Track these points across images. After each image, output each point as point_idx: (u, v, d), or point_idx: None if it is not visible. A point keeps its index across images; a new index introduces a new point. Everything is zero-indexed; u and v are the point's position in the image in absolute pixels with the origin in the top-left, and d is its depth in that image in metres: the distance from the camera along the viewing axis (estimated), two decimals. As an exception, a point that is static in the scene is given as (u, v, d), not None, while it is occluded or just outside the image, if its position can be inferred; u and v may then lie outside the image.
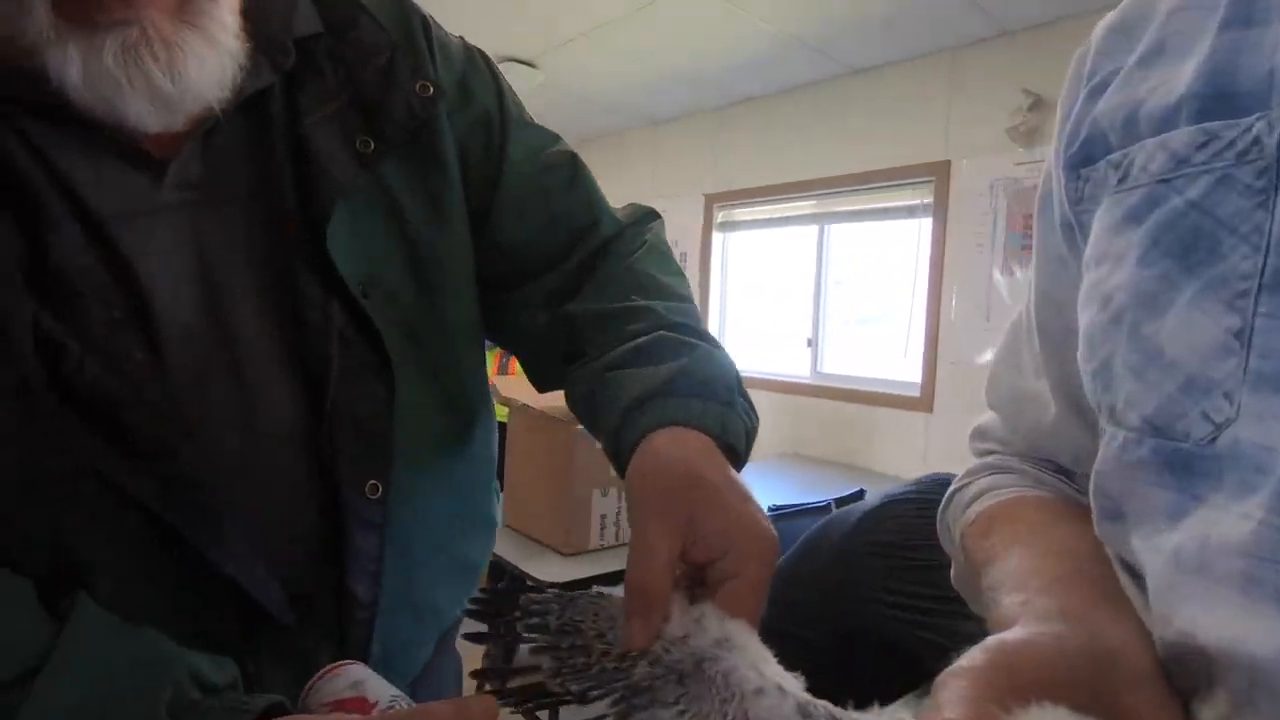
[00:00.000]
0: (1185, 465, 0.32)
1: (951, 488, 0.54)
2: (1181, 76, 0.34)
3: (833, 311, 3.70)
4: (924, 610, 1.30)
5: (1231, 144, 0.32)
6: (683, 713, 0.37)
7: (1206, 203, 0.32)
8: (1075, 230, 0.42)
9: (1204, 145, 0.33)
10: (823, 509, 2.14)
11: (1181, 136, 0.34)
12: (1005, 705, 0.27)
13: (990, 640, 0.31)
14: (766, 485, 2.67)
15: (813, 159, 3.57)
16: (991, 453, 0.54)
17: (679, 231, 4.09)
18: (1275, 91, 0.31)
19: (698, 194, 4.11)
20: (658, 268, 0.63)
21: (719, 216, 4.10)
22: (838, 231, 3.66)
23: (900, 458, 3.16)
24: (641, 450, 0.48)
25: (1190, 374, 0.32)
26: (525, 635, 0.43)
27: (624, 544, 2.06)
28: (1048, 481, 0.49)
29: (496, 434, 0.71)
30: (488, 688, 0.42)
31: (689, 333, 0.57)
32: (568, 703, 0.39)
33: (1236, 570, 0.29)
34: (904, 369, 3.27)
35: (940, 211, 3.08)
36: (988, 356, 2.93)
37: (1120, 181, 0.37)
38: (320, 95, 0.53)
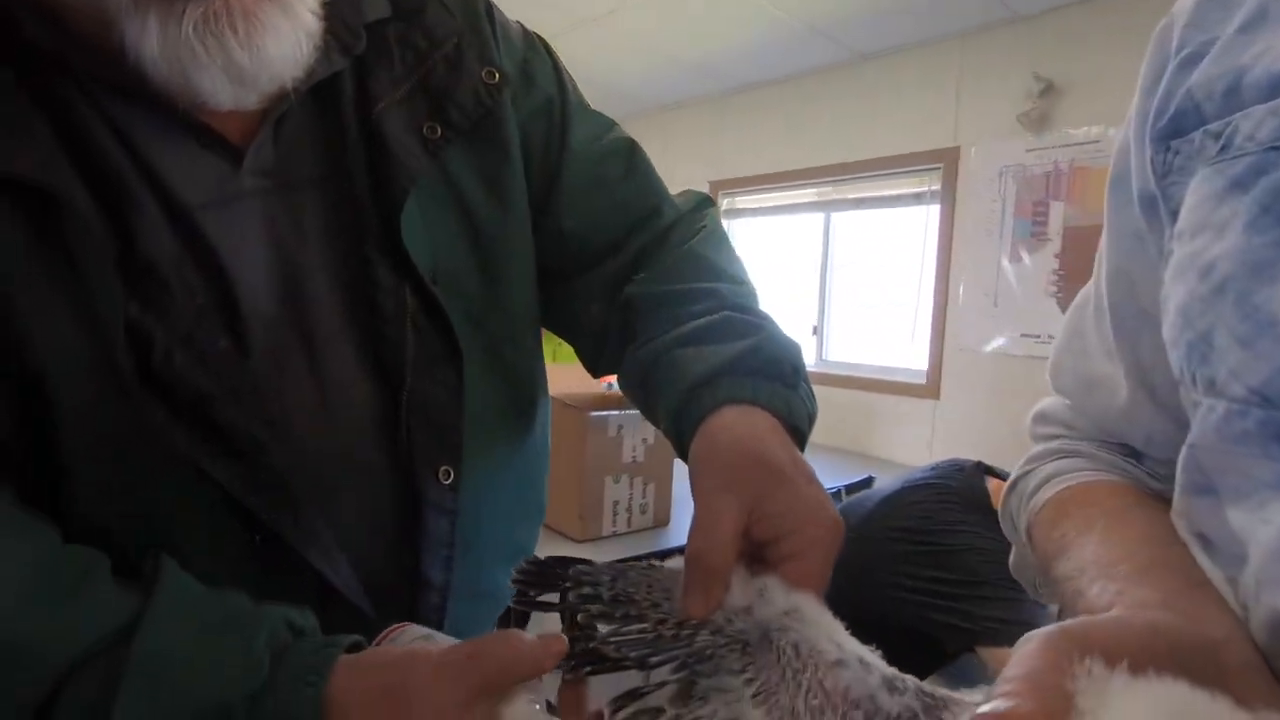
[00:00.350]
0: None
1: (1014, 474, 0.53)
2: None
3: (839, 299, 3.69)
4: (945, 595, 1.31)
5: None
6: (751, 680, 0.36)
7: None
8: (1160, 203, 0.41)
9: None
10: (833, 496, 2.14)
11: None
12: (1084, 666, 0.26)
13: (1078, 619, 0.31)
14: (775, 472, 2.67)
15: (820, 146, 3.55)
16: (1056, 437, 0.54)
17: (684, 219, 4.07)
18: None
19: (703, 181, 4.09)
20: (717, 251, 0.62)
21: (724, 204, 4.08)
22: (845, 218, 3.65)
23: (907, 445, 3.16)
24: (707, 425, 0.48)
25: None
26: (579, 606, 0.42)
27: (637, 530, 2.06)
28: (1119, 465, 0.48)
29: (550, 421, 0.71)
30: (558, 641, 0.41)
31: (753, 314, 0.56)
32: (626, 668, 0.38)
33: None
34: (911, 356, 3.27)
35: (948, 198, 3.07)
36: (996, 343, 2.93)
37: (1222, 151, 0.36)
38: (390, 81, 0.53)
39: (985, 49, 2.95)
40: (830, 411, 3.46)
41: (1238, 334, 0.34)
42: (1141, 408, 0.46)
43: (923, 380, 3.17)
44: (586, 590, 0.43)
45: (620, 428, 2.01)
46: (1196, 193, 0.37)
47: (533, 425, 0.64)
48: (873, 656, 0.36)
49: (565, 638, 0.39)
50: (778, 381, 0.50)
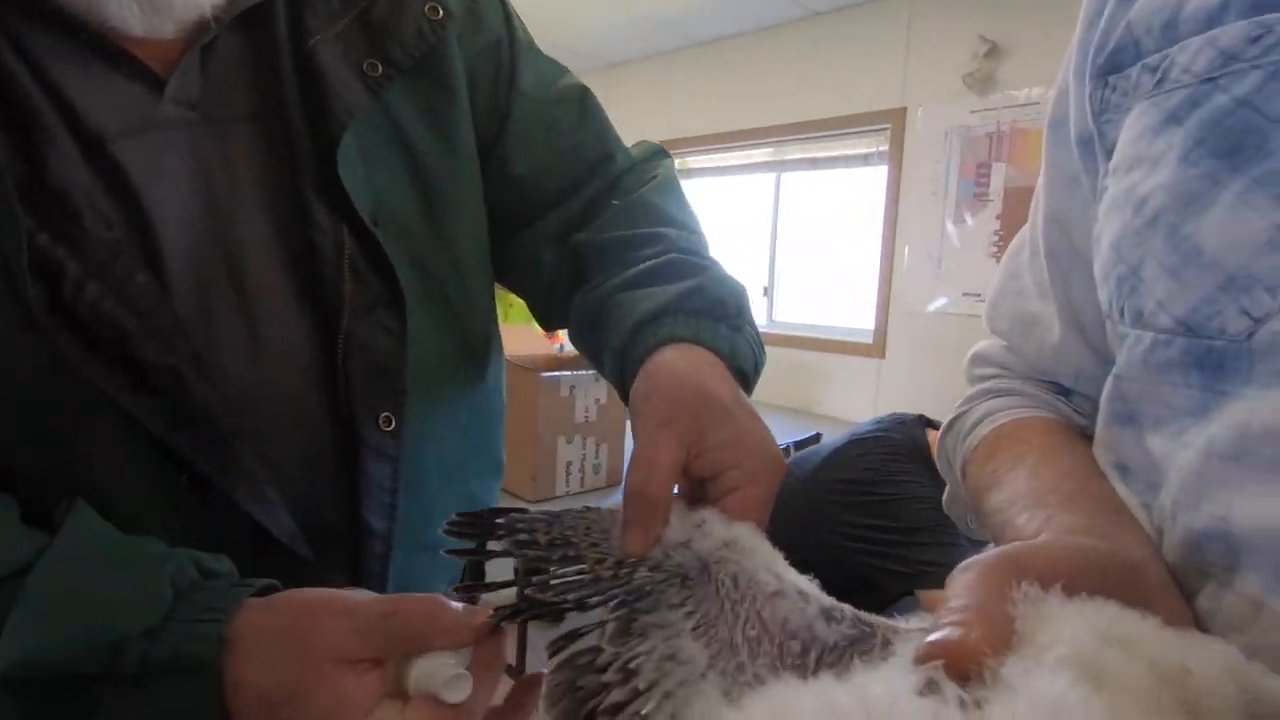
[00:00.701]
0: (1216, 363, 0.33)
1: (951, 414, 0.55)
2: None
3: (788, 260, 3.73)
4: (886, 542, 1.36)
5: None
6: (690, 614, 0.36)
7: (1257, 99, 0.32)
8: (1095, 142, 0.42)
9: (1257, 39, 0.32)
10: (782, 452, 2.19)
11: (1232, 31, 0.33)
12: (1021, 591, 0.27)
13: (1014, 544, 0.32)
14: (726, 431, 2.71)
15: (769, 105, 3.54)
16: (992, 377, 0.55)
17: (635, 179, 4.03)
18: None
19: (655, 140, 4.04)
20: (667, 199, 0.62)
21: (675, 164, 4.05)
22: (795, 179, 3.67)
23: (853, 403, 3.25)
24: (649, 363, 0.47)
25: (1231, 271, 0.32)
26: (515, 552, 0.42)
27: (590, 490, 2.08)
28: (1050, 402, 0.50)
29: (505, 374, 0.69)
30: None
31: (700, 257, 0.56)
32: (565, 610, 0.37)
33: (1277, 454, 0.30)
34: (857, 316, 3.34)
35: (895, 159, 3.11)
36: (939, 303, 3.01)
37: (1158, 84, 0.36)
38: (327, 15, 0.51)
39: (933, 8, 2.96)
40: (780, 371, 3.52)
41: (1167, 265, 0.35)
42: (1071, 346, 0.48)
43: (869, 340, 3.24)
44: (522, 536, 0.42)
45: (572, 388, 2.00)
46: (1132, 128, 0.38)
47: (484, 375, 0.63)
48: (811, 587, 0.37)
49: (489, 610, 0.38)
50: (722, 322, 0.50)
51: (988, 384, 0.54)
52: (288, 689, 0.34)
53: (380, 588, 0.52)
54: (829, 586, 0.38)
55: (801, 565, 0.40)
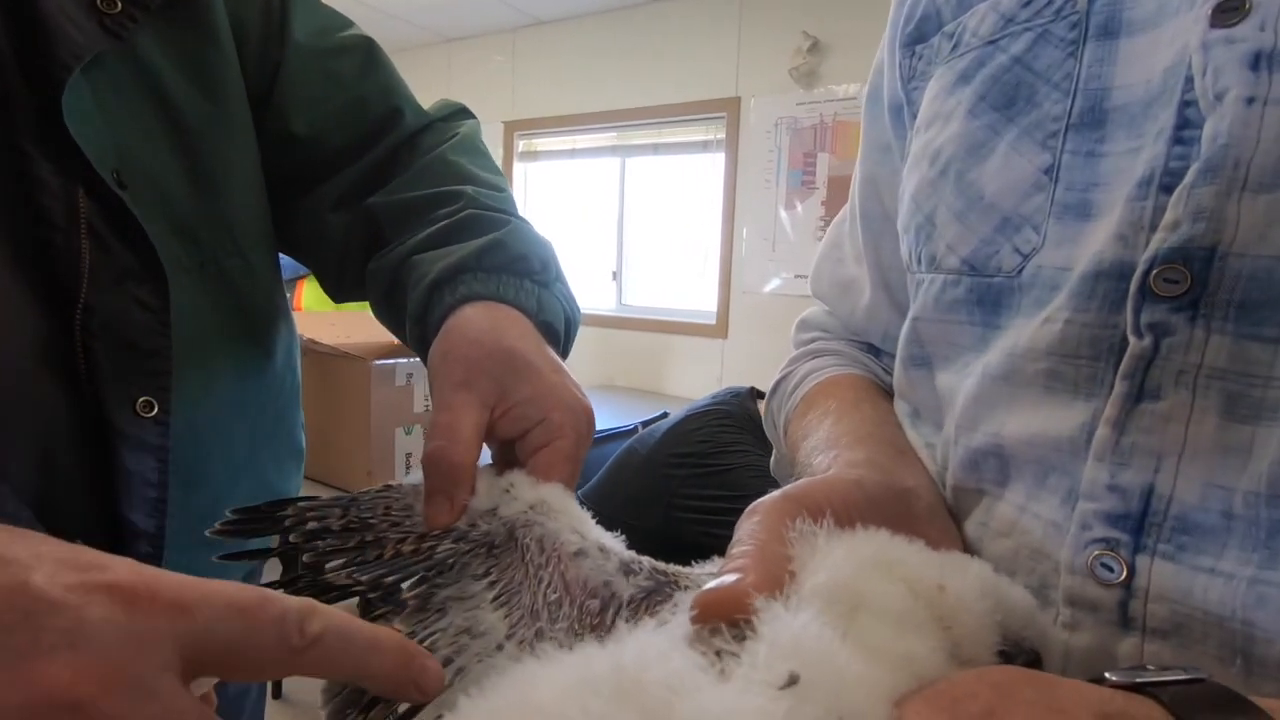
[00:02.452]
0: (994, 299, 0.36)
1: (776, 377, 0.57)
2: None
3: (635, 244, 3.78)
4: (722, 510, 1.42)
5: (1050, 1, 0.36)
6: (494, 583, 0.35)
7: (1027, 57, 0.36)
8: (904, 110, 0.45)
9: (1028, 4, 0.36)
10: (630, 432, 2.23)
11: None
12: (796, 528, 0.28)
13: (796, 482, 0.33)
14: (576, 415, 2.72)
15: (612, 90, 3.55)
16: (815, 340, 0.58)
17: (478, 160, 3.91)
18: None
19: (497, 121, 3.94)
20: (470, 157, 0.58)
21: (520, 145, 3.97)
22: (639, 164, 3.72)
23: (699, 381, 3.37)
24: (448, 324, 0.44)
25: (1005, 213, 0.35)
26: (303, 545, 0.37)
27: (432, 481, 2.00)
28: (861, 360, 0.53)
29: (299, 354, 0.64)
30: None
31: (503, 213, 0.53)
32: (358, 593, 0.35)
33: (1041, 370, 0.33)
34: (701, 298, 3.46)
35: (732, 147, 3.24)
36: (773, 285, 3.18)
37: (953, 49, 0.40)
38: None
39: (760, 2, 3.10)
40: (629, 353, 3.58)
41: (955, 210, 0.38)
42: (880, 306, 0.51)
43: (712, 320, 3.37)
44: (312, 526, 0.38)
45: (410, 376, 1.91)
46: (931, 90, 0.41)
47: (271, 355, 0.57)
48: (614, 542, 0.36)
49: None
50: (525, 278, 0.48)
51: (810, 346, 0.57)
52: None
53: None
54: (674, 557, 0.37)
55: (648, 540, 0.39)
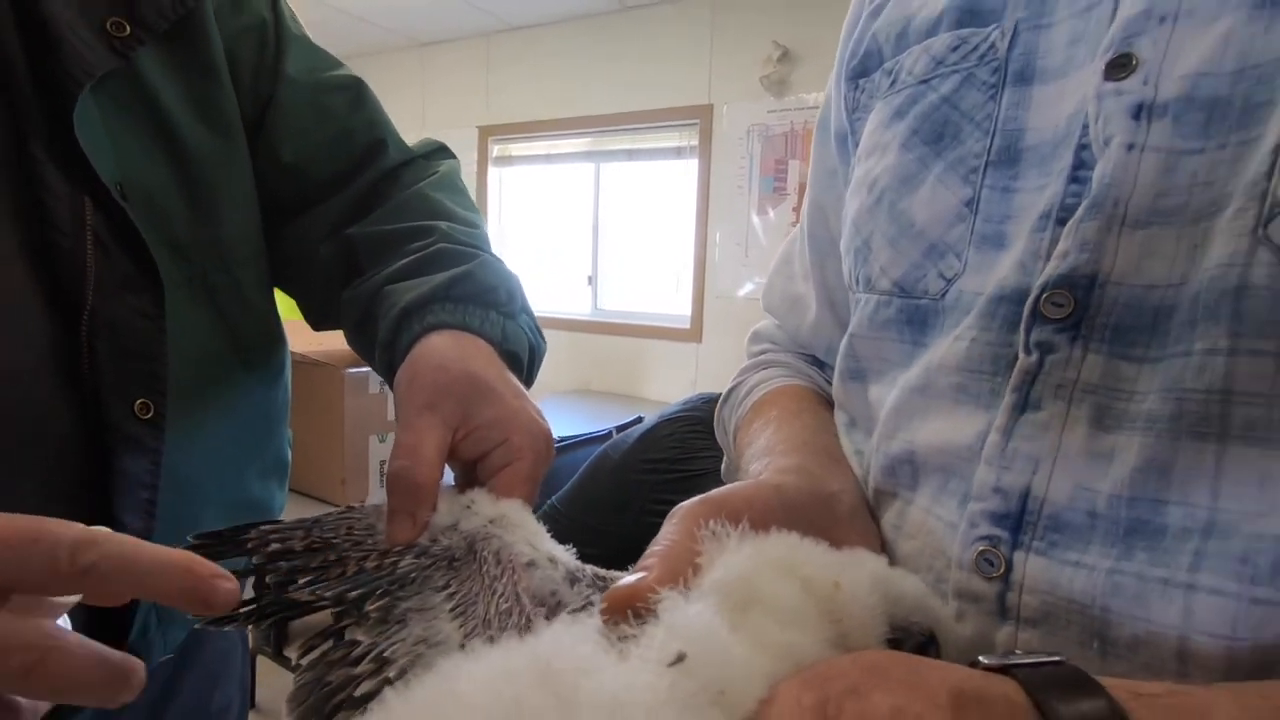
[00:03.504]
0: (921, 319, 0.39)
1: (728, 386, 0.60)
2: None
3: (611, 250, 3.81)
4: None
5: (976, 48, 0.39)
6: (452, 595, 0.36)
7: (954, 97, 0.39)
8: (849, 138, 0.48)
9: (956, 48, 0.40)
10: (605, 436, 2.25)
11: (941, 41, 0.41)
12: (708, 529, 0.29)
13: (719, 489, 0.36)
14: (552, 419, 2.73)
15: (587, 96, 3.58)
16: (765, 351, 0.61)
17: (453, 165, 3.90)
18: (1008, 7, 0.38)
19: (471, 126, 3.93)
20: (446, 195, 0.61)
21: (494, 150, 3.97)
22: (613, 170, 3.74)
23: (674, 385, 3.40)
24: (415, 350, 0.46)
25: (932, 240, 0.39)
26: (267, 566, 0.39)
27: (407, 489, 2.00)
28: (807, 372, 0.56)
29: (289, 373, 0.65)
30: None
31: (473, 247, 0.56)
32: (322, 608, 0.36)
33: (951, 384, 0.36)
34: (676, 303, 3.50)
35: (705, 154, 3.27)
36: (746, 289, 3.22)
37: (891, 85, 0.43)
38: None
39: (732, 11, 3.15)
40: (605, 358, 3.60)
41: (888, 236, 0.41)
42: (825, 323, 0.54)
43: (686, 325, 3.41)
44: (275, 547, 0.40)
45: (383, 384, 1.91)
46: (871, 122, 0.45)
47: (258, 371, 0.59)
48: (563, 554, 0.38)
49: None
50: (492, 309, 0.51)
51: (760, 358, 0.60)
52: None
53: None
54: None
55: (618, 544, 0.40)
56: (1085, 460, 0.30)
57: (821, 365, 0.57)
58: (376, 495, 1.93)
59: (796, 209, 3.07)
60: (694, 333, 3.38)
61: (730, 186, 3.22)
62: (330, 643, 0.35)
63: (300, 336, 1.94)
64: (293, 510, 0.63)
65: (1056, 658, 0.24)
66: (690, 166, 3.35)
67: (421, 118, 4.09)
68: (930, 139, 0.40)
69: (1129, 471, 0.29)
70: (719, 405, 0.62)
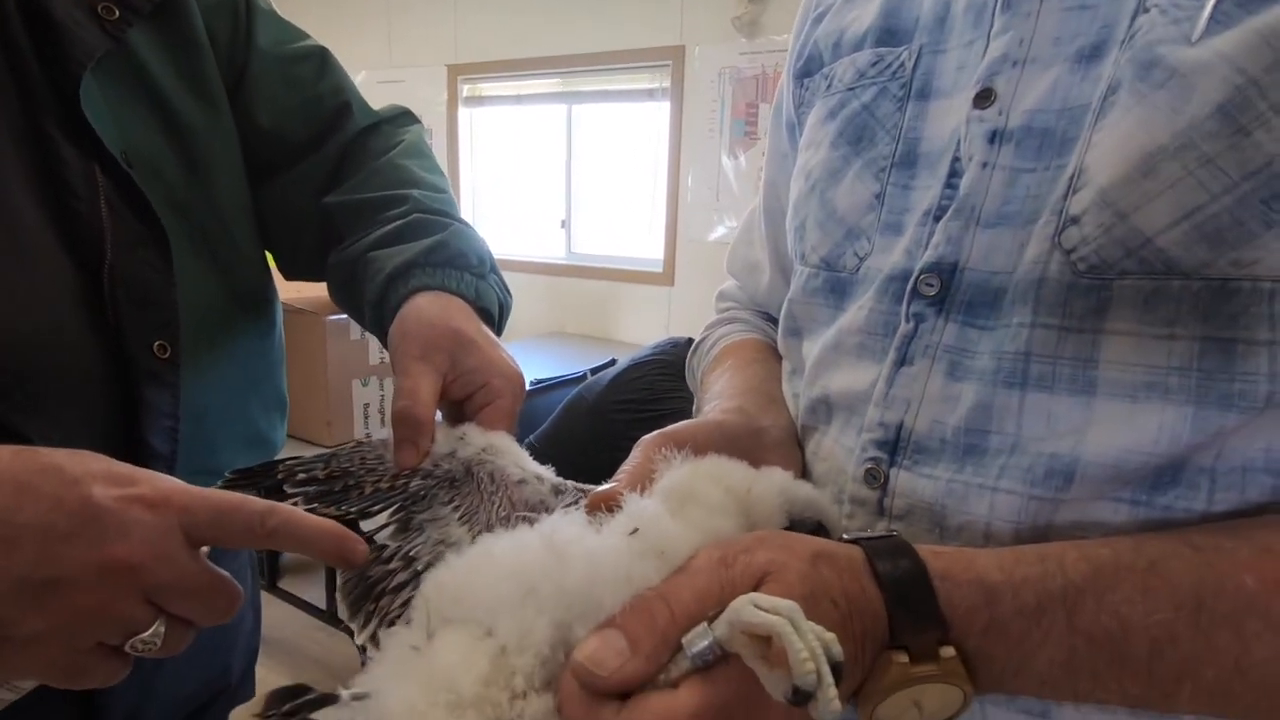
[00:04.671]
0: (841, 289, 0.48)
1: (697, 339, 0.70)
2: (870, 13, 0.49)
3: (584, 193, 3.81)
4: None
5: (889, 65, 0.47)
6: (458, 508, 0.46)
7: (872, 106, 0.47)
8: (796, 129, 0.56)
9: (875, 64, 0.47)
10: (580, 379, 2.34)
11: (864, 56, 0.48)
12: (661, 454, 0.40)
13: (672, 425, 0.46)
14: (527, 362, 2.80)
15: (558, 34, 3.52)
16: (729, 309, 0.70)
17: (422, 106, 3.83)
18: (917, 31, 0.46)
19: (440, 65, 3.85)
20: (416, 163, 0.68)
21: (464, 90, 3.91)
22: (585, 111, 3.72)
23: (647, 328, 3.48)
24: (404, 310, 0.55)
25: (850, 226, 0.47)
26: (292, 492, 0.47)
27: (390, 430, 2.08)
28: (762, 327, 0.66)
29: (280, 319, 0.73)
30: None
31: (444, 216, 0.64)
32: (350, 520, 0.44)
33: (855, 343, 0.45)
34: (648, 246, 3.54)
35: (677, 96, 3.27)
36: (718, 233, 3.28)
37: (827, 88, 0.51)
38: None
39: (705, -51, 3.09)
40: (579, 301, 3.66)
41: (818, 219, 0.50)
42: (777, 285, 0.63)
43: (659, 268, 3.47)
44: (300, 476, 0.49)
45: (364, 331, 1.97)
46: (812, 118, 0.52)
47: (257, 316, 0.66)
48: (547, 473, 0.48)
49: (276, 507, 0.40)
50: (466, 271, 0.59)
51: (725, 314, 0.70)
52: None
53: None
54: None
55: (592, 479, 0.50)
56: (940, 402, 0.40)
57: (775, 322, 0.66)
58: (360, 435, 2.02)
59: (766, 154, 3.10)
60: (666, 276, 3.44)
61: (702, 130, 3.24)
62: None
63: (280, 286, 1.97)
64: (287, 451, 0.71)
65: (892, 533, 0.34)
66: (662, 109, 3.35)
67: (388, 56, 3.99)
68: (852, 140, 0.48)
69: (966, 409, 0.39)
70: (690, 355, 0.72)
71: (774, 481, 0.39)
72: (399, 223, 0.61)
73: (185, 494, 0.36)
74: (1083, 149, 0.35)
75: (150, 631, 0.35)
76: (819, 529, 0.40)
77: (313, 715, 0.33)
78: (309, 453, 0.52)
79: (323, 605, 2.23)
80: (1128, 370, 0.34)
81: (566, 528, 0.36)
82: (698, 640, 0.29)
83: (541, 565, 0.33)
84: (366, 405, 2.01)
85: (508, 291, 0.65)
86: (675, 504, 0.35)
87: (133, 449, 0.54)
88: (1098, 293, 0.35)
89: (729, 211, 3.23)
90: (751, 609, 0.28)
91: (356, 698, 0.33)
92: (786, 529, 0.38)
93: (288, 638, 2.31)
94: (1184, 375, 0.33)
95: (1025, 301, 0.37)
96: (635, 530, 0.33)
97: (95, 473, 0.35)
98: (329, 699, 0.33)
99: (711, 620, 0.29)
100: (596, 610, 0.31)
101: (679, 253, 3.40)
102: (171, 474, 0.55)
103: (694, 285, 3.37)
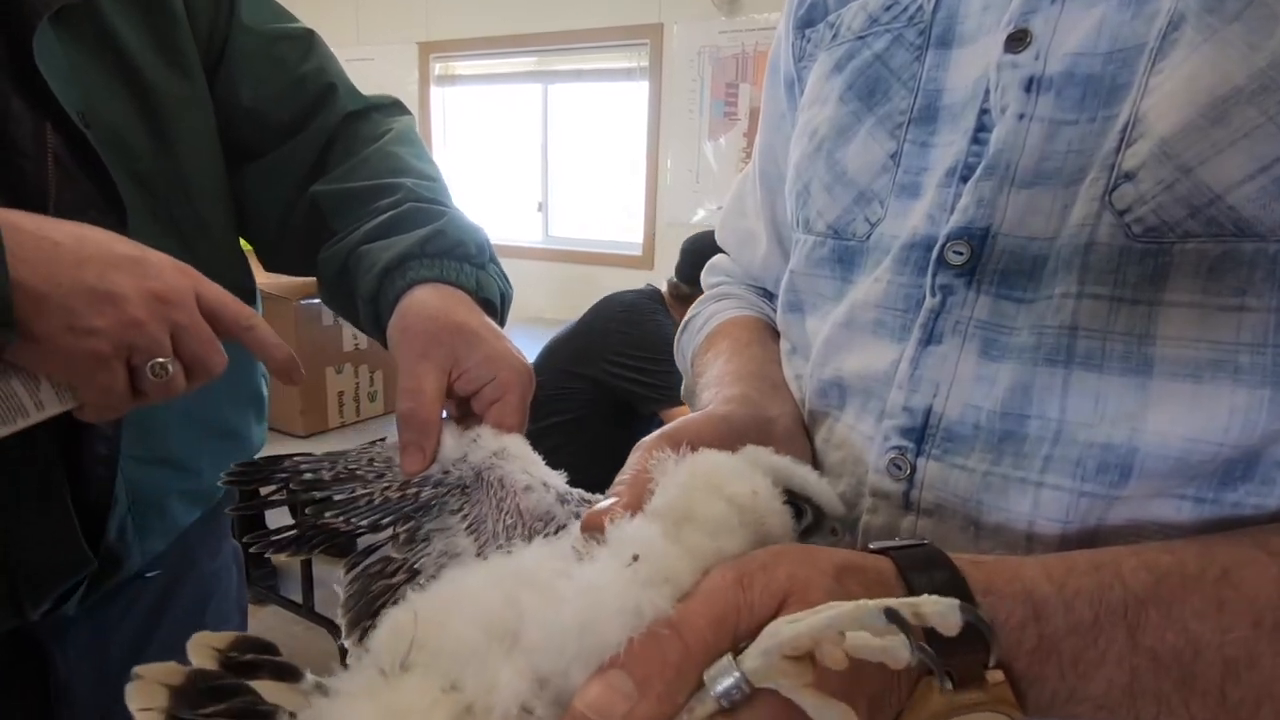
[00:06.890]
0: (849, 258, 0.44)
1: (686, 317, 0.65)
2: None
3: (561, 175, 3.74)
4: (643, 368, 1.79)
5: (905, 9, 0.42)
6: (465, 516, 0.43)
7: (885, 55, 0.43)
8: (796, 85, 0.51)
9: (889, 8, 0.43)
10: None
11: (876, 0, 0.43)
12: (655, 459, 0.35)
13: (674, 421, 0.42)
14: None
15: (533, 11, 3.43)
16: (721, 284, 0.65)
17: (392, 85, 3.71)
18: None
19: (410, 43, 3.74)
20: (407, 150, 0.64)
21: (436, 69, 3.80)
22: (562, 91, 3.64)
23: (627, 313, 3.44)
24: (401, 305, 0.51)
25: (861, 189, 0.43)
26: (301, 495, 0.45)
27: (368, 418, 2.02)
28: (757, 304, 0.61)
29: (260, 308, 0.69)
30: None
31: (438, 204, 0.59)
32: (360, 535, 0.43)
33: (870, 319, 0.41)
34: (627, 229, 3.49)
35: (655, 75, 3.21)
36: (698, 216, 3.24)
37: (833, 38, 0.46)
38: None
39: (683, -76, 3.03)
40: (556, 286, 3.60)
41: (824, 182, 0.45)
42: (774, 258, 0.58)
43: (639, 252, 3.42)
44: (308, 476, 0.46)
45: (337, 317, 1.90)
46: (815, 73, 0.48)
47: None
48: (555, 479, 0.45)
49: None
50: (465, 261, 0.55)
51: (717, 289, 0.65)
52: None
53: (106, 493, 0.53)
54: (599, 402, 0.45)
55: (586, 395, 0.46)
56: (973, 384, 0.36)
57: (771, 296, 0.61)
58: (334, 423, 1.96)
59: (748, 134, 3.06)
60: (646, 260, 3.40)
61: (681, 110, 3.18)
62: (370, 560, 0.41)
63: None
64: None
65: (923, 541, 0.30)
66: (641, 89, 3.29)
67: (355, 33, 3.86)
68: (863, 94, 0.44)
69: (1003, 392, 0.35)
70: (678, 334, 0.67)
71: (762, 466, 0.35)
72: (392, 213, 0.57)
73: (200, 275, 0.46)
74: (1137, 96, 0.32)
75: (167, 359, 0.43)
76: (817, 513, 0.36)
77: (266, 682, 0.29)
78: (283, 444, 0.49)
79: (299, 599, 2.18)
80: (1189, 346, 0.31)
81: (551, 560, 0.32)
82: (722, 676, 0.25)
83: (524, 606, 0.30)
84: (341, 393, 1.94)
85: (507, 280, 0.61)
86: (674, 525, 0.31)
87: (70, 438, 0.50)
88: (1155, 258, 0.31)
89: (710, 194, 3.19)
90: (791, 626, 0.24)
91: (319, 689, 0.30)
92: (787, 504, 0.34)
93: (263, 632, 2.25)
94: (1258, 352, 0.30)
95: (1070, 269, 0.33)
96: (635, 558, 0.28)
97: (115, 239, 0.43)
98: (294, 673, 0.30)
99: (737, 653, 0.26)
100: (599, 649, 0.27)
101: (659, 236, 3.35)
102: (114, 458, 0.54)
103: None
